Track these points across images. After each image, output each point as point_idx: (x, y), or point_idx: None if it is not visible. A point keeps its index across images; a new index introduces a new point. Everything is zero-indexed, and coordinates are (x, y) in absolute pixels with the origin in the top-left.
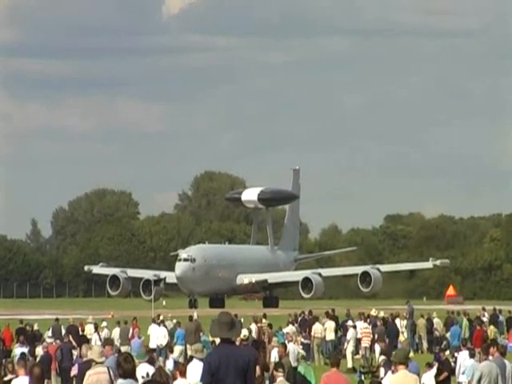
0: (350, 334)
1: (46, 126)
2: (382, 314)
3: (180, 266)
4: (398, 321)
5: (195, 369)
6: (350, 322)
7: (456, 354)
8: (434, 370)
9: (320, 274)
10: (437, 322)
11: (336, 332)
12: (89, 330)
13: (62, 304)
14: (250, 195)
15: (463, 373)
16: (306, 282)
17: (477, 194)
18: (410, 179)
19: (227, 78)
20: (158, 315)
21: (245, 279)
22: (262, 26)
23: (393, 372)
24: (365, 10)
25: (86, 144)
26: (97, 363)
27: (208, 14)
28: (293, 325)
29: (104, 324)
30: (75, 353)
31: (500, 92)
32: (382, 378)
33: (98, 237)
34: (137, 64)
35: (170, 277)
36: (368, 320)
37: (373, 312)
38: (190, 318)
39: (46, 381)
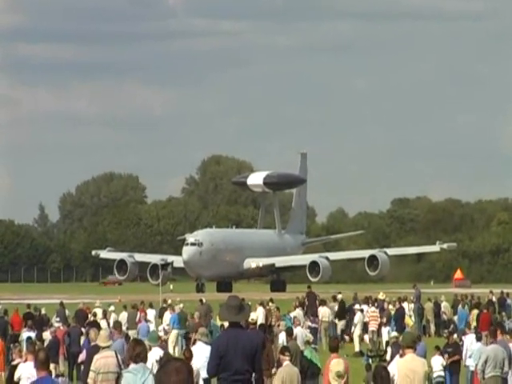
0: (357, 317)
1: (53, 110)
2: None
3: (187, 251)
4: (405, 304)
5: (200, 352)
6: (357, 306)
7: (463, 338)
8: (441, 359)
9: (327, 258)
10: (445, 306)
11: (343, 316)
12: (98, 314)
13: (69, 288)
14: (255, 179)
15: (470, 356)
16: (314, 265)
17: (484, 177)
18: (417, 163)
19: (234, 62)
20: (165, 299)
21: (252, 263)
22: (268, 9)
23: (401, 356)
24: None
25: (94, 128)
26: (103, 348)
27: None
28: (301, 308)
29: (112, 308)
30: (83, 337)
31: (508, 76)
32: (388, 362)
33: (105, 221)
34: (143, 49)
35: (177, 261)
36: (376, 304)
37: (380, 296)
38: (201, 301)
39: (53, 365)
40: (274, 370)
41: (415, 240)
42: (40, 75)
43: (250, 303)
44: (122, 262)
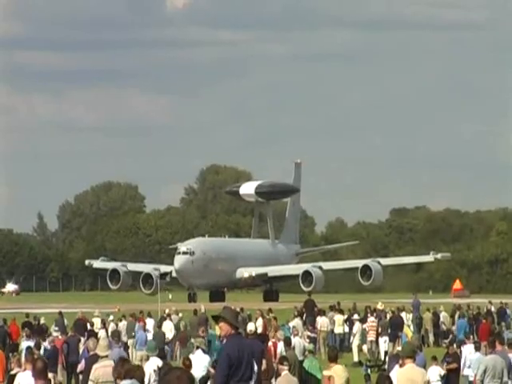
0: (356, 327)
1: (51, 119)
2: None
3: (179, 259)
4: (403, 314)
5: (199, 361)
6: (355, 316)
7: (461, 348)
8: (438, 369)
9: (321, 268)
10: (444, 316)
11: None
12: (96, 323)
13: (68, 298)
14: (248, 189)
15: (469, 366)
16: (307, 275)
17: (483, 187)
18: (416, 173)
19: (232, 71)
20: (164, 310)
21: (245, 273)
22: (266, 19)
23: (400, 366)
24: (371, 3)
25: (92, 137)
26: (102, 357)
27: (212, 8)
28: (300, 318)
29: (111, 318)
30: (81, 346)
31: (507, 85)
32: (387, 372)
33: (103, 230)
34: (142, 57)
35: (168, 270)
36: (374, 314)
37: (379, 306)
38: (195, 311)
39: (51, 374)
40: (272, 380)
41: (414, 250)
42: (37, 83)
43: (249, 313)
44: (114, 271)
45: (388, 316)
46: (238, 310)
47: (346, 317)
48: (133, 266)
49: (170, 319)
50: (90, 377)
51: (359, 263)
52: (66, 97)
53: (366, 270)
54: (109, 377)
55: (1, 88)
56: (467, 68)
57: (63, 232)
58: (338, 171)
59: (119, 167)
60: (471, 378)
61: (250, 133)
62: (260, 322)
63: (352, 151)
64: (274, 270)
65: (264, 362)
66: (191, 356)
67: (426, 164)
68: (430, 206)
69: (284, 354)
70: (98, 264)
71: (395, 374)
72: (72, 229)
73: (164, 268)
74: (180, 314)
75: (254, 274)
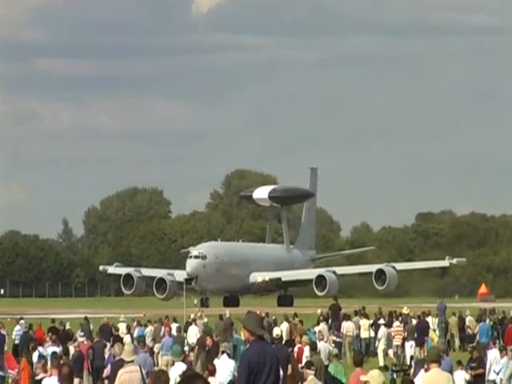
0: (381, 332)
1: (76, 125)
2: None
3: (190, 263)
4: (429, 319)
5: (224, 366)
6: (381, 321)
7: (487, 352)
8: (463, 373)
9: (334, 272)
10: (470, 320)
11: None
12: (121, 328)
13: (93, 303)
14: (261, 193)
15: (495, 371)
16: (321, 279)
17: (508, 191)
18: (441, 176)
19: (257, 76)
20: (189, 315)
21: (258, 277)
22: (290, 24)
23: (426, 370)
24: (396, 8)
25: (117, 143)
26: (128, 362)
27: (236, 13)
28: (326, 323)
29: (135, 323)
30: (107, 352)
31: None
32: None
33: (129, 236)
34: (165, 63)
35: (181, 275)
36: (400, 318)
37: (404, 310)
38: (221, 316)
39: (77, 380)
40: None
41: (439, 255)
42: (61, 90)
43: (274, 317)
44: (128, 276)
45: (414, 320)
46: (264, 314)
47: (371, 321)
48: (147, 272)
49: (196, 324)
50: (116, 382)
51: (373, 268)
52: (89, 104)
53: (380, 274)
54: (134, 382)
55: (25, 95)
56: (491, 72)
57: (89, 237)
58: (363, 176)
59: (144, 172)
60: (498, 383)
61: (275, 138)
62: (285, 326)
63: (377, 156)
64: (287, 275)
65: (290, 367)
66: (216, 361)
67: (451, 168)
68: (456, 210)
69: (310, 358)
70: (112, 270)
71: (420, 378)
72: (97, 234)
73: (179, 273)
74: (205, 319)
75: (267, 279)
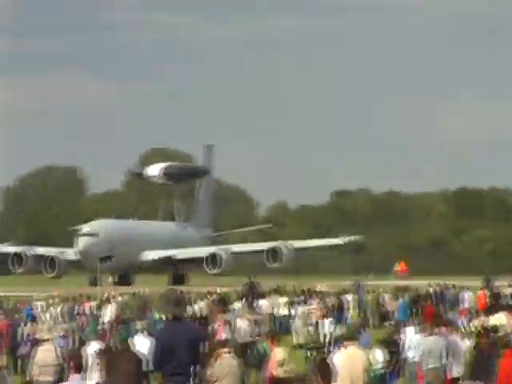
0: (298, 310)
1: None
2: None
3: (82, 240)
4: (347, 296)
5: (140, 345)
6: (297, 298)
7: (403, 329)
8: (380, 351)
9: (229, 250)
10: (388, 297)
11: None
12: (37, 307)
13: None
14: (153, 170)
15: (410, 348)
16: (215, 257)
17: (424, 169)
18: (358, 155)
19: (173, 55)
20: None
21: (149, 255)
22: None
23: (344, 347)
24: None
25: (36, 120)
26: (44, 341)
27: None
28: (244, 300)
29: (51, 302)
30: (20, 330)
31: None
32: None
33: (44, 215)
34: (79, 40)
35: (70, 253)
36: (320, 296)
37: (319, 287)
38: (134, 294)
39: None
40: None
41: (357, 232)
42: None
43: (190, 295)
44: (17, 255)
45: (331, 298)
46: (179, 292)
47: (287, 299)
48: (41, 250)
49: (110, 302)
50: (32, 360)
51: (268, 245)
52: (5, 81)
53: (273, 252)
54: (48, 360)
55: None
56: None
57: (3, 216)
58: (279, 154)
59: (59, 151)
60: (414, 360)
61: (189, 116)
62: (203, 304)
63: (291, 134)
64: (179, 253)
65: (206, 345)
66: (131, 339)
67: (367, 146)
68: (373, 188)
69: (226, 336)
70: (4, 248)
71: (336, 356)
72: (13, 213)
73: (71, 251)
74: (120, 298)
75: (156, 258)
